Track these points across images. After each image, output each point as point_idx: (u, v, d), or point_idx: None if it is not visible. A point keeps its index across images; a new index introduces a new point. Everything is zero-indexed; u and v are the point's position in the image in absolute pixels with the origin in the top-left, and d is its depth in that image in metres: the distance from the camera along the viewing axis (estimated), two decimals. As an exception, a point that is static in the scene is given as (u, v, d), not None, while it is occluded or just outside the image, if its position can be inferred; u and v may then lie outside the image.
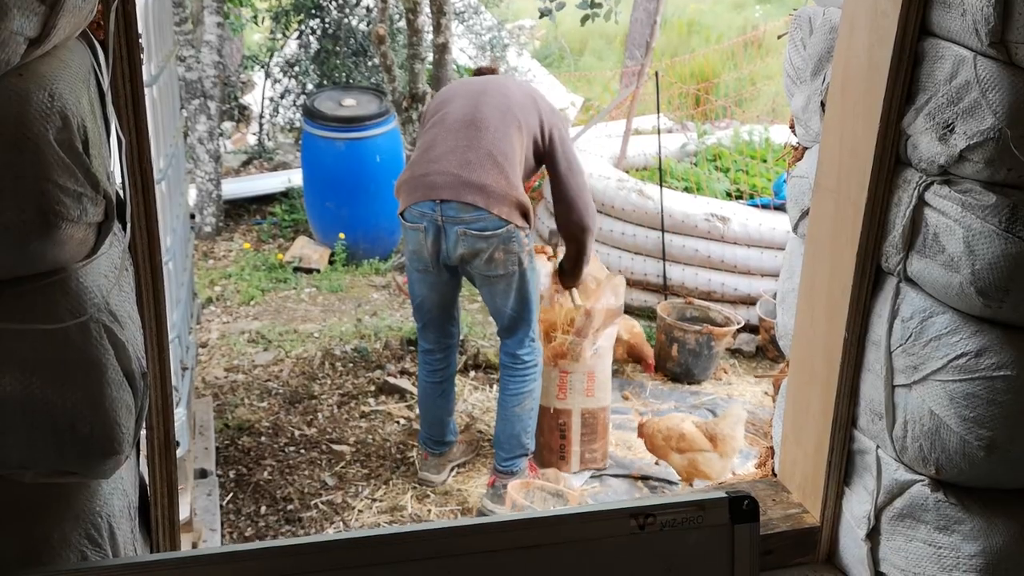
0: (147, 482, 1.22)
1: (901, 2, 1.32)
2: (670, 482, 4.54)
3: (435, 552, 1.00)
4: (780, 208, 6.15)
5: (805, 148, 1.70)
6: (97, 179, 0.90)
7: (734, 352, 5.87)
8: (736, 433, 4.15)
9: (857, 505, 1.54)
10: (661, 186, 6.10)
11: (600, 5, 7.03)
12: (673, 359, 5.47)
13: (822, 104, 1.54)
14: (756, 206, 6.28)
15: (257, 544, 0.98)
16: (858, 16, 1.39)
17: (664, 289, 6.14)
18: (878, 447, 1.50)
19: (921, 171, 1.38)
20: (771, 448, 1.80)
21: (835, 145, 1.47)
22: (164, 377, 1.14)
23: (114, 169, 1.01)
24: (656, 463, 4.68)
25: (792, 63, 1.66)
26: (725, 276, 6.09)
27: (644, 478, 4.57)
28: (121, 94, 1.04)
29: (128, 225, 1.01)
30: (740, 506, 1.05)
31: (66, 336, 0.90)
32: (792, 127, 1.72)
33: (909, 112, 1.36)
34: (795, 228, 1.70)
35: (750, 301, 6.05)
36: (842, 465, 1.53)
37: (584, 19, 7.21)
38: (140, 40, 1.06)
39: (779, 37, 1.84)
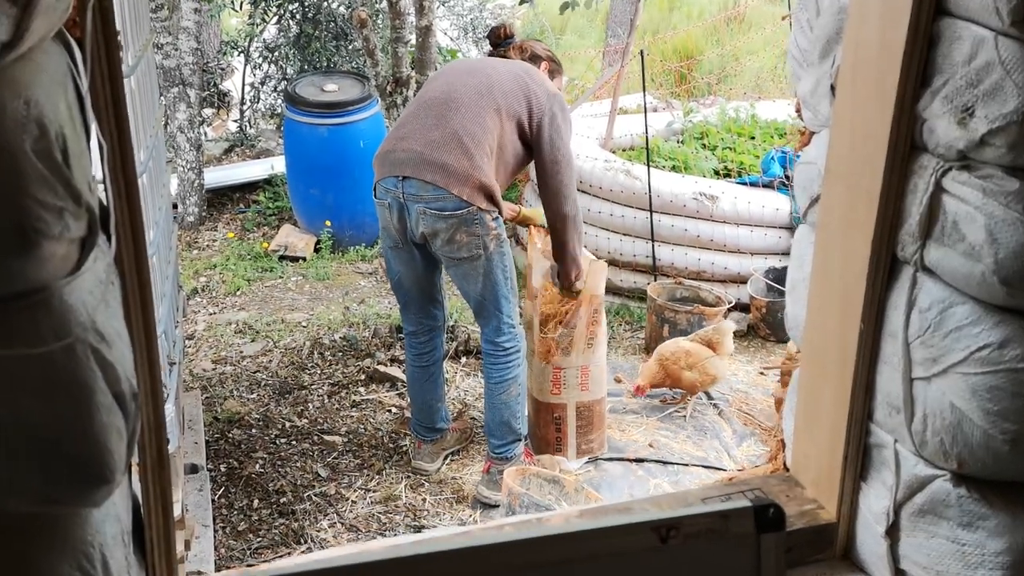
0: (139, 501, 1.16)
1: (915, -20, 1.26)
2: (664, 463, 4.52)
3: (449, 572, 0.95)
4: (768, 186, 6.11)
5: (812, 133, 1.65)
6: (79, 191, 0.83)
7: (725, 331, 5.83)
8: (725, 340, 4.88)
9: (875, 500, 1.49)
10: (648, 166, 6.05)
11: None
12: (664, 340, 5.43)
13: (832, 88, 1.48)
14: (745, 184, 6.23)
15: (253, 572, 0.93)
16: (869, -5, 1.34)
17: (654, 270, 6.10)
18: (896, 441, 1.45)
19: (938, 156, 1.33)
20: (782, 441, 1.76)
21: (847, 130, 1.42)
22: (155, 394, 1.08)
23: (95, 176, 0.95)
24: (650, 445, 4.66)
25: (798, 45, 1.60)
26: (715, 255, 6.05)
27: (639, 460, 4.54)
28: (100, 95, 0.98)
29: (113, 237, 0.95)
30: (765, 515, 1.00)
31: (50, 359, 0.84)
32: (799, 111, 1.67)
33: (925, 95, 1.31)
34: (804, 216, 1.65)
35: (740, 280, 6.01)
36: (858, 460, 1.49)
37: (563, 7, 7.13)
38: (119, 37, 0.99)
39: (783, 18, 1.78)
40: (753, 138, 7.11)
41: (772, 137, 7.13)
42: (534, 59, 4.18)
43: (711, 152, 6.97)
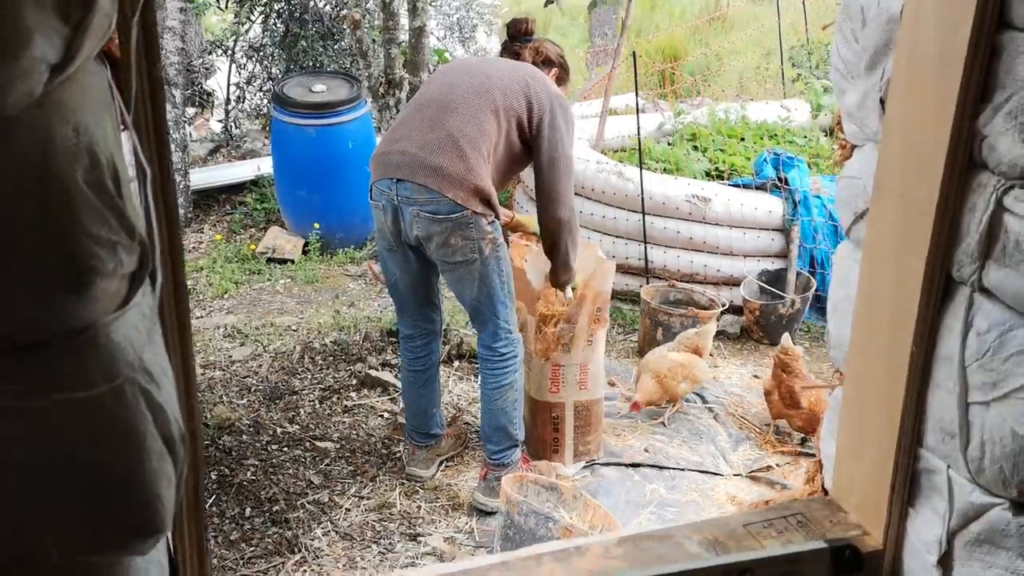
0: (169, 542, 1.10)
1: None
2: (660, 467, 4.49)
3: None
4: (761, 188, 6.09)
5: (854, 146, 1.60)
6: (132, 224, 0.77)
7: (718, 334, 5.81)
8: (708, 342, 5.06)
9: (925, 528, 1.45)
10: (641, 167, 6.01)
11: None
12: (658, 343, 5.40)
13: (881, 101, 1.43)
14: (738, 186, 6.21)
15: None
16: (925, 6, 1.29)
17: (646, 272, 6.06)
18: (949, 467, 1.41)
19: (1000, 174, 1.28)
20: (819, 462, 1.71)
21: (898, 145, 1.37)
22: (195, 432, 1.02)
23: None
24: (645, 450, 4.62)
25: (841, 57, 1.55)
26: (707, 257, 6.02)
27: (635, 465, 4.51)
28: (142, 117, 0.91)
29: (160, 270, 0.88)
30: (841, 556, 0.96)
31: (100, 403, 0.78)
32: (839, 124, 1.62)
33: (986, 111, 1.26)
34: (848, 232, 1.60)
35: (734, 282, 5.99)
36: (906, 485, 1.44)
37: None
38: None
39: (824, 28, 1.73)
40: (743, 139, 7.09)
41: (762, 139, 7.11)
42: (546, 63, 4.12)
43: (702, 154, 6.94)
